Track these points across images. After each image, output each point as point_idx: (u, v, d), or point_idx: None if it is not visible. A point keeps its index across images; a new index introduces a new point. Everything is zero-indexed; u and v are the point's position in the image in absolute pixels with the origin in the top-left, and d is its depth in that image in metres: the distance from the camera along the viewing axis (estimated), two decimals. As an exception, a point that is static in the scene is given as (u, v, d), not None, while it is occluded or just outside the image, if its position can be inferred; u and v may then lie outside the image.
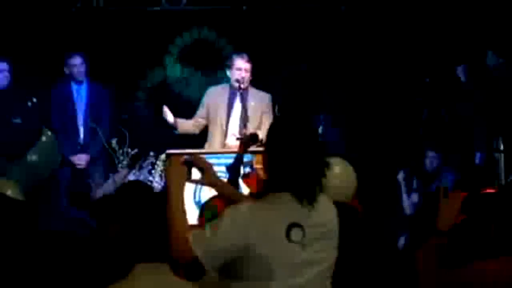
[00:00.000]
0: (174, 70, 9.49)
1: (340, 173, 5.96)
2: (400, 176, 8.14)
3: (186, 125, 7.20)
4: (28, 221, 5.33)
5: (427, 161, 8.13)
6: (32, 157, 6.46)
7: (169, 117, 7.02)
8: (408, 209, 8.10)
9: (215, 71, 9.08)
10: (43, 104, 7.86)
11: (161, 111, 7.12)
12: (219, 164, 5.74)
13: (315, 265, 2.98)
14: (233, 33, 9.35)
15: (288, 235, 2.93)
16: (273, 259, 2.93)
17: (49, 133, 6.55)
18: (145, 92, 9.50)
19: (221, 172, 6.09)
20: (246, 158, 5.38)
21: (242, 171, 5.57)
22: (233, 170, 5.46)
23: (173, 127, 7.11)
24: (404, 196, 8.11)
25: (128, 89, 9.20)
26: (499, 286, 3.39)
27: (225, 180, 5.12)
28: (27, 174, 6.34)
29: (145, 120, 9.03)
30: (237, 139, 6.20)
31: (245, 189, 6.01)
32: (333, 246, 3.05)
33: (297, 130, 3.05)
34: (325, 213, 3.05)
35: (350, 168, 6.23)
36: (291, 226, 2.94)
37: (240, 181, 5.44)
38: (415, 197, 8.02)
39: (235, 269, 2.96)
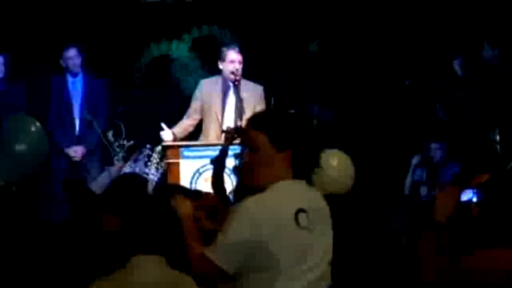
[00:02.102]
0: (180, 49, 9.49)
1: (338, 165, 5.98)
2: (415, 160, 8.49)
3: (185, 131, 7.17)
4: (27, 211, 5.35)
5: (432, 153, 8.35)
6: (20, 147, 6.44)
7: (167, 136, 6.97)
8: (407, 190, 8.47)
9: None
10: (40, 96, 7.87)
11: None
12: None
13: (319, 249, 3.02)
14: (232, 23, 9.37)
15: (297, 221, 2.95)
16: (286, 248, 2.95)
17: (38, 123, 6.53)
18: (141, 72, 9.50)
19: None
20: (232, 150, 5.37)
21: (234, 163, 5.57)
22: (218, 163, 5.46)
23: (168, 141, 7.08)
24: (409, 177, 8.46)
25: (124, 77, 9.17)
26: (499, 275, 3.40)
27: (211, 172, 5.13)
28: (14, 164, 6.32)
29: (141, 112, 9.01)
30: (222, 131, 6.18)
31: (228, 183, 6.01)
32: (330, 230, 3.09)
33: (303, 123, 3.13)
34: (319, 197, 3.11)
35: (349, 160, 6.24)
36: (298, 211, 2.97)
37: (225, 174, 5.44)
38: (424, 189, 8.23)
39: (248, 263, 2.96)
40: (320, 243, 3.03)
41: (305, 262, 2.97)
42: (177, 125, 7.15)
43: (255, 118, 3.21)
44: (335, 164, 6.19)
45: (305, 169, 3.07)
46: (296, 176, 3.06)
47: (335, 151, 6.45)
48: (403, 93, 8.96)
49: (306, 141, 3.08)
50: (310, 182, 3.07)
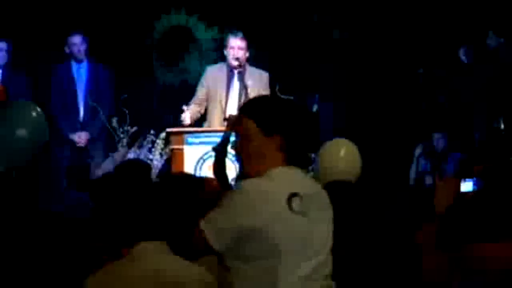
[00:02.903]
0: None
1: (345, 154, 5.97)
2: (418, 150, 8.50)
3: (194, 115, 7.17)
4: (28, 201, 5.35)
5: (435, 143, 8.38)
6: (20, 132, 6.45)
7: (188, 119, 6.98)
8: (412, 180, 8.49)
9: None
10: (42, 82, 7.89)
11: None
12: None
13: (318, 236, 2.99)
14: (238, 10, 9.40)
15: (290, 206, 2.94)
16: (282, 233, 2.93)
17: (38, 109, 6.55)
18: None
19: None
20: (234, 137, 5.36)
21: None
22: (219, 150, 5.46)
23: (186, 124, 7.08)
24: (413, 167, 8.49)
25: (129, 64, 9.20)
26: (496, 268, 3.41)
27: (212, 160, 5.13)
28: (14, 149, 6.34)
29: (145, 98, 9.03)
30: (224, 119, 6.18)
31: (232, 169, 6.01)
32: (329, 217, 3.06)
33: (292, 108, 3.10)
34: (314, 184, 3.09)
35: (355, 149, 6.24)
36: (292, 196, 2.94)
37: (229, 161, 5.44)
38: (429, 179, 8.27)
39: (244, 250, 2.95)
40: (318, 229, 2.99)
41: (304, 249, 2.94)
42: (189, 110, 7.15)
43: (245, 105, 3.22)
44: (343, 153, 6.19)
45: (298, 155, 3.05)
46: (291, 162, 3.04)
47: (343, 140, 6.45)
48: (413, 83, 8.96)
49: (295, 126, 3.06)
50: (306, 168, 3.08)
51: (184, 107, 6.97)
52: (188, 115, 6.96)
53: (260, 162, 3.05)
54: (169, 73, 9.66)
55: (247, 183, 3.01)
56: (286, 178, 3.01)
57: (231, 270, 2.99)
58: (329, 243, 3.04)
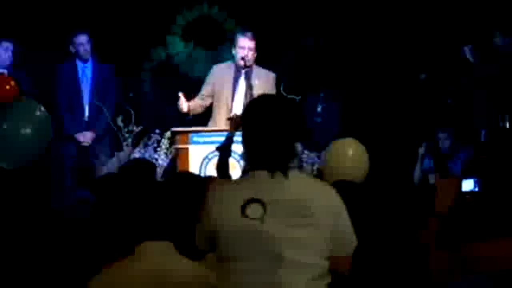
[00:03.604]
0: (175, 47, 9.56)
1: (353, 154, 5.97)
2: (421, 149, 8.50)
3: (196, 108, 7.17)
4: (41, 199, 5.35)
5: (440, 142, 8.38)
6: (25, 131, 6.47)
7: (185, 106, 6.98)
8: (417, 180, 8.49)
9: (218, 47, 9.17)
10: (48, 82, 7.89)
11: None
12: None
13: (291, 242, 2.87)
14: (235, 7, 9.38)
15: (243, 211, 2.87)
16: (231, 239, 2.88)
17: (42, 108, 6.56)
18: (149, 72, 9.55)
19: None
20: (238, 137, 5.38)
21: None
22: (223, 149, 5.47)
23: (186, 114, 7.08)
24: (417, 167, 8.50)
25: (133, 67, 9.21)
26: (496, 266, 3.41)
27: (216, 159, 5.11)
28: (19, 148, 6.36)
29: (150, 98, 9.04)
30: (228, 119, 6.18)
31: (234, 168, 6.02)
32: (317, 224, 2.91)
33: (268, 109, 2.99)
34: (297, 189, 2.93)
35: (363, 149, 6.24)
36: (249, 202, 2.87)
37: (235, 160, 5.45)
38: (432, 177, 8.27)
39: (215, 252, 2.95)
40: (281, 236, 2.86)
41: (263, 255, 2.86)
42: (190, 101, 7.15)
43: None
44: (350, 153, 6.19)
45: (260, 157, 2.95)
46: (266, 165, 2.94)
47: (350, 139, 6.45)
48: (418, 85, 8.96)
49: (251, 128, 2.98)
50: (284, 173, 2.92)
51: (180, 94, 6.97)
52: (185, 102, 6.94)
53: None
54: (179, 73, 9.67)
55: (213, 185, 3.01)
56: (251, 182, 2.94)
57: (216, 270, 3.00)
58: (316, 249, 2.92)
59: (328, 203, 2.96)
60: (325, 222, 2.92)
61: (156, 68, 9.54)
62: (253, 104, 3.07)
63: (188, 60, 9.58)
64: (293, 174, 2.95)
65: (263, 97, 3.17)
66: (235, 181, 3.01)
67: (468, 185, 4.81)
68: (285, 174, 2.92)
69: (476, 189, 4.75)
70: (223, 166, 5.42)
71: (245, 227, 2.87)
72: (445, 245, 3.51)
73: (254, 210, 2.87)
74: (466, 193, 4.41)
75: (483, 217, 3.52)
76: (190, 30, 9.58)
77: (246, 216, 2.86)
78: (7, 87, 6.67)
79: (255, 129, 2.97)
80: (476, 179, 4.47)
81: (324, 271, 2.92)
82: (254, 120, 2.99)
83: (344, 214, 3.00)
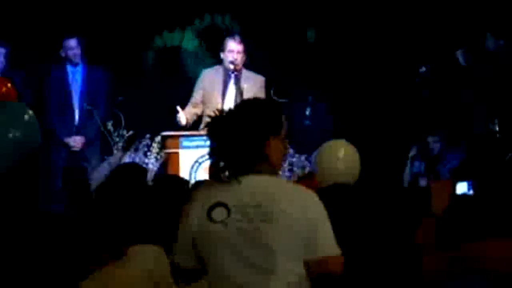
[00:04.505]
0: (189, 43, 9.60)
1: (345, 156, 5.95)
2: (412, 152, 8.50)
3: (192, 117, 7.17)
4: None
5: (430, 145, 8.41)
6: (13, 134, 6.45)
7: (183, 120, 6.99)
8: (406, 182, 8.45)
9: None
10: (38, 86, 7.88)
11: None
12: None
13: (253, 246, 2.83)
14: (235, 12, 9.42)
15: (209, 214, 2.86)
16: (204, 243, 2.87)
17: (30, 111, 6.55)
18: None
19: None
20: None
21: None
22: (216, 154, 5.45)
23: (184, 126, 7.09)
24: (407, 169, 8.50)
25: (126, 68, 9.20)
26: (496, 267, 3.42)
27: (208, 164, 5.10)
28: (7, 150, 6.34)
29: (140, 102, 9.03)
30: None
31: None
32: (281, 228, 2.84)
33: (232, 112, 2.98)
34: (262, 194, 2.88)
35: (355, 151, 6.23)
36: (215, 205, 2.86)
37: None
38: (423, 181, 8.28)
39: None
40: (251, 241, 2.82)
41: (230, 260, 2.83)
42: (185, 111, 7.15)
43: None
44: (341, 155, 6.17)
45: (228, 160, 2.94)
46: (232, 167, 2.94)
47: (342, 141, 6.43)
48: (409, 85, 8.96)
49: (218, 126, 2.97)
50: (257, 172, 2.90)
51: (178, 108, 6.98)
52: (183, 115, 6.97)
53: None
54: (166, 76, 9.65)
55: (192, 195, 3.04)
56: (222, 186, 2.92)
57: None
58: (276, 252, 2.83)
59: (297, 205, 2.87)
60: (294, 225, 2.85)
61: (155, 59, 9.56)
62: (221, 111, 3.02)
63: (191, 58, 9.60)
64: (262, 177, 2.92)
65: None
66: (213, 185, 2.98)
67: (461, 187, 4.84)
68: (249, 176, 2.90)
69: (470, 192, 4.79)
70: (216, 170, 5.41)
71: (212, 231, 2.85)
72: (444, 246, 3.51)
73: (218, 214, 2.85)
74: (460, 195, 4.44)
75: (480, 217, 3.53)
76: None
77: (211, 219, 2.85)
78: (4, 89, 6.65)
79: (220, 133, 2.95)
80: (469, 182, 4.50)
81: (297, 278, 2.86)
82: (219, 124, 2.97)
83: (319, 215, 2.90)
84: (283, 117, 3.01)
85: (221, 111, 3.00)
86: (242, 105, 3.06)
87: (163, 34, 9.61)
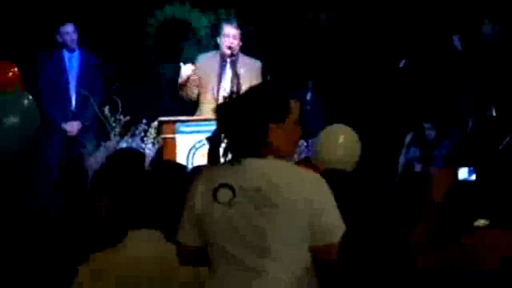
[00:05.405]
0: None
1: (345, 141, 5.93)
2: (407, 138, 8.51)
3: (192, 85, 7.11)
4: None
5: (425, 132, 8.42)
6: (12, 121, 6.44)
7: (187, 70, 6.93)
8: (400, 168, 8.49)
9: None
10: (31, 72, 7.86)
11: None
12: (211, 132, 5.74)
13: (252, 229, 2.85)
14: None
15: (215, 195, 2.89)
16: (207, 223, 2.90)
17: (30, 97, 6.54)
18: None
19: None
20: None
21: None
22: (213, 140, 5.44)
23: (184, 83, 7.03)
24: (402, 155, 8.53)
25: (122, 52, 9.19)
26: (489, 258, 3.42)
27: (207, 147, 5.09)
28: (6, 138, 6.33)
29: (138, 87, 9.03)
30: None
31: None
32: (284, 213, 2.85)
33: (236, 98, 3.01)
34: (262, 179, 2.89)
35: (355, 136, 6.21)
36: (220, 186, 2.89)
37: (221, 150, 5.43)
38: (418, 166, 8.29)
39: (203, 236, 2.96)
40: (252, 224, 2.84)
41: (235, 240, 2.86)
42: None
43: None
44: (341, 140, 6.16)
45: (234, 143, 2.96)
46: (236, 150, 2.95)
47: (342, 126, 6.42)
48: (400, 73, 8.97)
49: (223, 110, 3.01)
50: (260, 156, 2.91)
51: (181, 64, 6.97)
52: (188, 68, 6.93)
53: None
54: (166, 63, 9.64)
55: (200, 171, 3.10)
56: (227, 168, 2.95)
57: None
58: (271, 241, 2.85)
59: (299, 190, 2.87)
60: (295, 210, 2.85)
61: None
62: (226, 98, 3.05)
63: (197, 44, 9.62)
64: (263, 161, 2.92)
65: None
66: (218, 167, 3.00)
67: (462, 173, 4.84)
68: (253, 159, 2.91)
69: (472, 178, 4.79)
70: (213, 155, 5.41)
71: (219, 212, 2.87)
72: (438, 240, 3.52)
73: (223, 195, 2.88)
74: (462, 181, 4.43)
75: (479, 205, 3.54)
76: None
77: (217, 200, 2.88)
78: (10, 73, 6.63)
79: (224, 117, 2.98)
80: (470, 168, 4.50)
81: (295, 263, 2.88)
82: (224, 108, 3.00)
83: (323, 200, 2.90)
84: (292, 103, 2.99)
85: (231, 94, 3.03)
86: (247, 91, 3.05)
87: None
